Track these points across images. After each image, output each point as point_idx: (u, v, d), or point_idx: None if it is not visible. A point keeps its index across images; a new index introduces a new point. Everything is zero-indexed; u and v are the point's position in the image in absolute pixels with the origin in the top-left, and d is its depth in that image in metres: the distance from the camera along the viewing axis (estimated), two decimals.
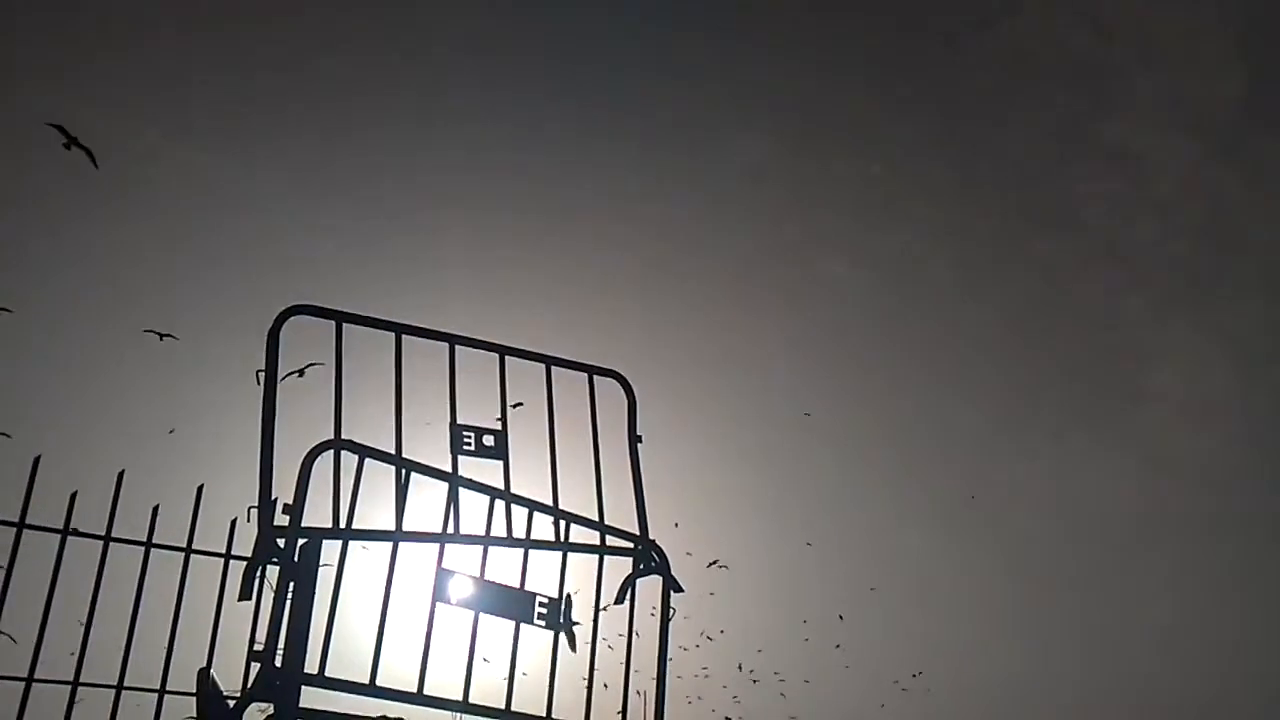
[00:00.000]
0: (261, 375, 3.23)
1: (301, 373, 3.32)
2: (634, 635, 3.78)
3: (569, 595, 3.59)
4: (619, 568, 3.95)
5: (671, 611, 3.86)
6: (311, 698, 3.19)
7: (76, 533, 3.49)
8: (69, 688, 3.44)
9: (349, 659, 3.22)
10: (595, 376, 3.83)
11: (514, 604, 3.56)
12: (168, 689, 3.53)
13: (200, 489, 3.58)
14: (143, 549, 3.56)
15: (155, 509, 3.58)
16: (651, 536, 3.89)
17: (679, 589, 3.89)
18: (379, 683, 3.21)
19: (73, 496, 3.48)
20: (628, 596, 3.89)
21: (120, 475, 3.51)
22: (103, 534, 3.53)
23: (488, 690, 3.47)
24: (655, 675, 3.79)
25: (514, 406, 3.63)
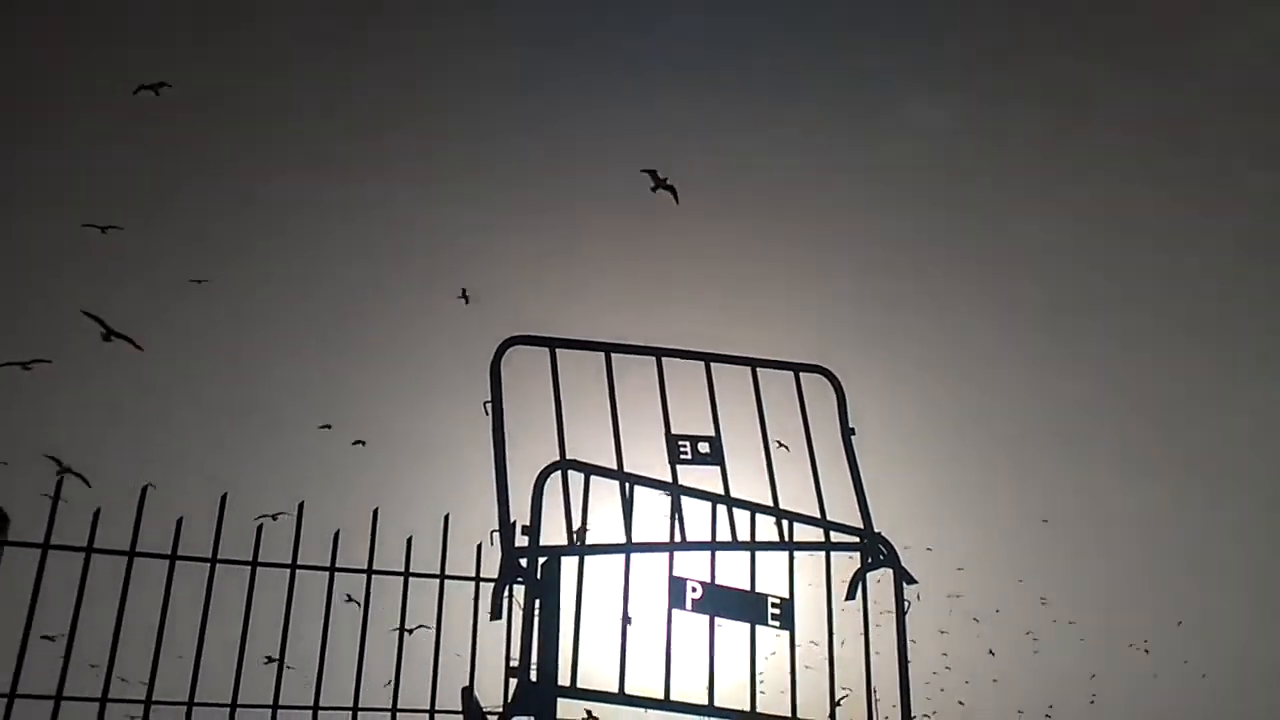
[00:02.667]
0: (488, 405, 3.44)
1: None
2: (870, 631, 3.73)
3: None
4: (844, 565, 3.91)
5: (906, 604, 3.78)
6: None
7: (341, 569, 3.83)
8: (349, 714, 3.75)
9: (589, 668, 3.35)
10: (802, 374, 3.84)
11: (747, 607, 3.60)
12: (436, 709, 3.79)
13: (447, 518, 3.84)
14: (401, 578, 3.86)
15: (409, 541, 3.87)
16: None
17: (911, 580, 3.81)
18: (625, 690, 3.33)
19: (335, 535, 3.83)
20: (859, 592, 3.84)
21: (375, 513, 3.82)
22: (364, 568, 3.85)
23: (724, 692, 3.51)
24: (898, 671, 3.71)
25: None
